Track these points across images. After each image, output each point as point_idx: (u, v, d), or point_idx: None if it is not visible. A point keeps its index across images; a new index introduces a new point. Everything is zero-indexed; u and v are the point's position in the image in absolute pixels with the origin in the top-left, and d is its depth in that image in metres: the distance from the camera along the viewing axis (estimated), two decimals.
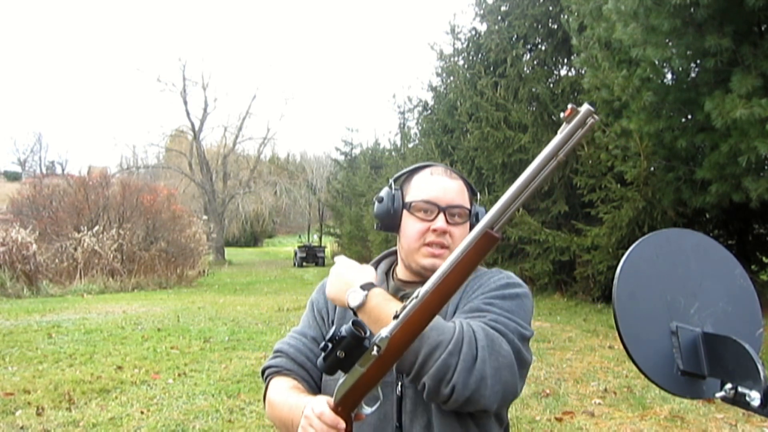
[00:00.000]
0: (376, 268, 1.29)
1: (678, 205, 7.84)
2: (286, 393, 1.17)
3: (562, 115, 0.87)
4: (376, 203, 1.23)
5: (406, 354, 0.96)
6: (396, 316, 0.96)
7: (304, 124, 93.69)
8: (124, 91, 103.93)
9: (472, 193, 1.26)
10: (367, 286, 1.06)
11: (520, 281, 1.20)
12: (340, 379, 0.99)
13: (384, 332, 0.95)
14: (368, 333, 0.96)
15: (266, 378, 1.26)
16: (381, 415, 1.12)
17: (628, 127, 7.04)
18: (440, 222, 1.17)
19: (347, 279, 1.11)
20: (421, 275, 1.19)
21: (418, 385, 1.01)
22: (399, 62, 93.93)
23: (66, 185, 16.00)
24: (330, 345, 0.96)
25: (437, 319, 0.99)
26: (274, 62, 79.93)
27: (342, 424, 0.96)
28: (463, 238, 1.14)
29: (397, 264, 1.31)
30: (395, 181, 1.26)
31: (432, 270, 1.11)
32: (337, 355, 0.95)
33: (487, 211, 1.20)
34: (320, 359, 0.98)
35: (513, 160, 10.63)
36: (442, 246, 1.18)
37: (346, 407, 0.98)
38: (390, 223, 1.23)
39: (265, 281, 16.88)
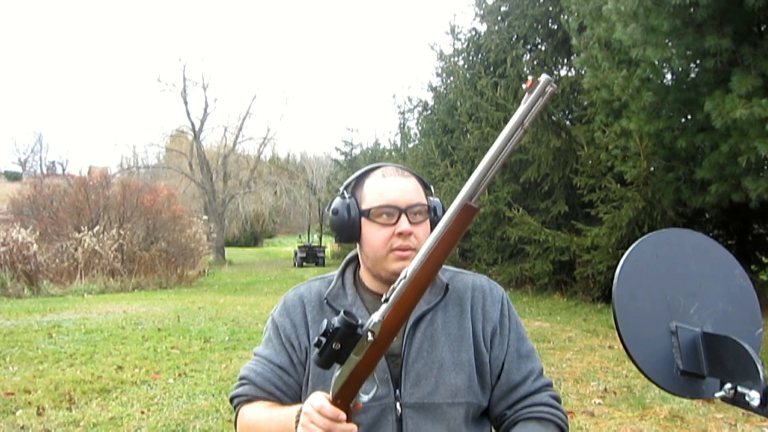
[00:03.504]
0: (343, 279, 1.26)
1: (678, 205, 7.84)
2: (268, 411, 1.15)
3: (523, 86, 0.90)
4: (332, 215, 1.17)
5: None
6: (386, 300, 0.97)
7: (304, 124, 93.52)
8: (124, 91, 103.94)
9: (426, 188, 1.22)
10: None
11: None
12: (336, 372, 0.99)
13: (376, 317, 0.97)
14: (359, 321, 0.97)
15: (235, 406, 1.23)
16: None
17: (628, 127, 7.04)
18: (404, 224, 1.13)
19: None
20: (391, 282, 1.13)
21: None
22: (399, 62, 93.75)
23: (66, 185, 16.00)
24: (324, 339, 0.96)
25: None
26: (274, 62, 79.57)
27: (342, 416, 0.96)
28: (427, 236, 1.15)
29: (360, 268, 1.26)
30: (346, 188, 1.21)
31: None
32: (333, 347, 0.96)
33: (444, 204, 1.23)
34: (315, 354, 0.98)
35: (513, 160, 10.58)
36: (408, 248, 1.14)
37: (345, 399, 0.99)
38: (349, 233, 1.17)
39: (265, 281, 16.87)
